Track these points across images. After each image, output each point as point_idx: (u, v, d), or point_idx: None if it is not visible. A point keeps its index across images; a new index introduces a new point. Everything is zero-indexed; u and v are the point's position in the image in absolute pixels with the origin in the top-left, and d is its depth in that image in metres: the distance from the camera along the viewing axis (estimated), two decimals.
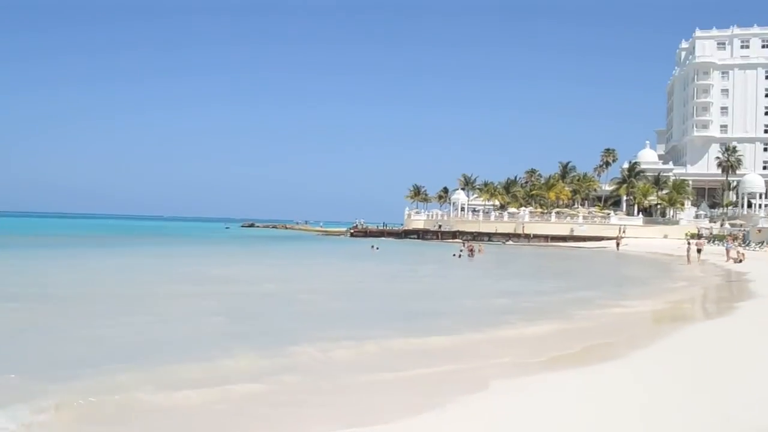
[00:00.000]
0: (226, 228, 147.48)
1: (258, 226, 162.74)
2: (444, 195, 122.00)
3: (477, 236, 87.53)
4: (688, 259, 47.74)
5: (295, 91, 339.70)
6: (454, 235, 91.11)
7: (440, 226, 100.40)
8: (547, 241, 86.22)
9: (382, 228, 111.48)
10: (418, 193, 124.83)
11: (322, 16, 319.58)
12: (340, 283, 27.89)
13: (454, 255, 52.12)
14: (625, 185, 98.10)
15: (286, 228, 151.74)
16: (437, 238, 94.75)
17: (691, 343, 13.61)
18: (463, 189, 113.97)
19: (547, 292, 24.22)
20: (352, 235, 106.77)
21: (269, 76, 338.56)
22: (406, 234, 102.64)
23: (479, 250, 56.80)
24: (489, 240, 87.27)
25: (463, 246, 59.47)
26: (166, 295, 20.74)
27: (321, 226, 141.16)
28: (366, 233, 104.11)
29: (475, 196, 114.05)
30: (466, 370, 10.71)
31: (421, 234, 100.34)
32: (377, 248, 61.92)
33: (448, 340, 13.30)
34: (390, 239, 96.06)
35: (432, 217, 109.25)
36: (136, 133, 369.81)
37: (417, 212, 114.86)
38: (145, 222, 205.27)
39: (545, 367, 10.81)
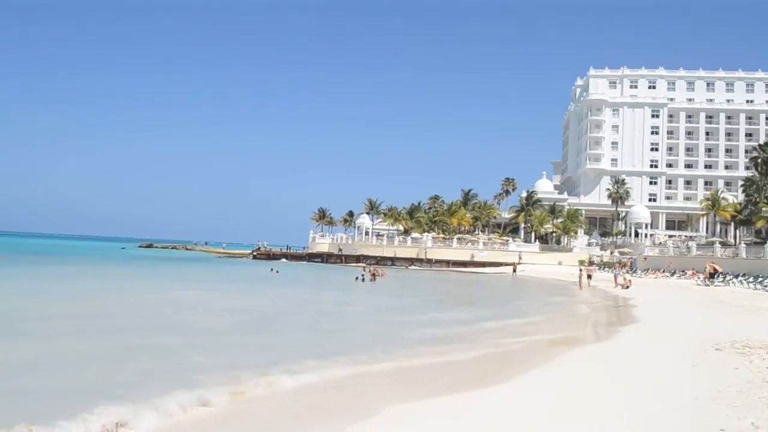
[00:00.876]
0: (122, 248, 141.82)
1: (156, 247, 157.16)
2: (349, 219, 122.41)
3: (380, 260, 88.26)
4: (580, 285, 49.92)
5: (196, 113, 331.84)
6: (358, 259, 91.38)
7: (341, 250, 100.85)
8: (449, 266, 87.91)
9: (285, 251, 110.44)
10: (323, 216, 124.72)
11: (213, 34, 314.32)
12: (244, 312, 26.64)
13: (357, 278, 52.23)
14: (523, 213, 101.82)
15: (187, 249, 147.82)
16: (341, 262, 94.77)
17: (575, 366, 14.21)
18: (368, 213, 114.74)
19: (451, 319, 24.58)
20: (254, 257, 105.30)
21: (167, 97, 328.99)
22: (311, 257, 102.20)
23: (382, 274, 57.08)
24: (392, 264, 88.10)
25: (365, 270, 59.43)
26: (50, 324, 19.47)
27: (223, 248, 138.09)
28: (269, 256, 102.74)
29: (380, 220, 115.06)
30: (361, 398, 10.81)
31: (325, 257, 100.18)
32: (277, 271, 61.64)
33: (350, 369, 13.25)
34: (294, 262, 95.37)
35: (336, 240, 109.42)
36: (25, 148, 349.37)
37: (322, 235, 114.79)
38: (37, 240, 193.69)
39: (437, 393, 11.01)
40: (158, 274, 54.75)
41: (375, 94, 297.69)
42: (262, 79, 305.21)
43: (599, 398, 10.49)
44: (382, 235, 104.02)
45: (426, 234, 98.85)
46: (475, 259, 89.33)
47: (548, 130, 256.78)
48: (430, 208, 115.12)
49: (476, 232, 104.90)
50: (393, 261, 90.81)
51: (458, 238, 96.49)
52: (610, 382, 12.02)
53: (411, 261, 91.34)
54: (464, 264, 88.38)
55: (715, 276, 50.56)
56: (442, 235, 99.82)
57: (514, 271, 76.34)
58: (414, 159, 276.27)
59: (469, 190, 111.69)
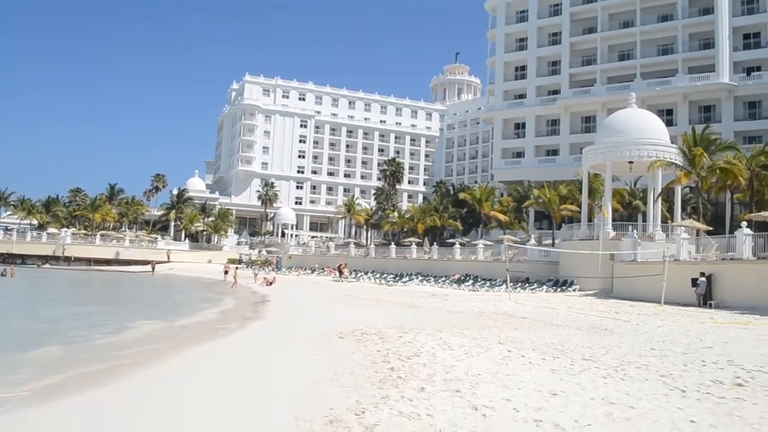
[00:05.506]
0: None
1: None
2: None
3: (8, 258, 78.21)
4: (234, 282, 50.72)
5: None
6: None
7: None
8: (90, 265, 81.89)
9: None
10: None
11: None
12: None
13: None
14: (174, 211, 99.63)
15: None
16: None
17: (198, 362, 14.51)
18: None
19: (77, 322, 22.86)
20: None
21: None
22: None
23: (11, 274, 51.06)
24: (23, 263, 78.91)
25: None
26: None
27: None
28: None
29: (9, 213, 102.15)
30: None
31: None
32: None
33: None
34: None
35: None
36: None
37: None
38: None
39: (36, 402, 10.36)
40: None
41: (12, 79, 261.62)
42: None
43: (221, 391, 10.86)
44: (12, 230, 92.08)
45: (65, 229, 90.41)
46: (121, 257, 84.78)
47: (203, 130, 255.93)
48: (70, 202, 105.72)
49: (123, 229, 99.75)
50: (23, 259, 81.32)
51: (102, 235, 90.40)
52: (231, 376, 12.44)
53: (46, 259, 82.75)
54: (108, 262, 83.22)
55: (341, 272, 57.20)
56: (83, 231, 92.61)
57: (153, 269, 73.85)
58: (53, 149, 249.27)
59: (115, 185, 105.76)
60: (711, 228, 39.53)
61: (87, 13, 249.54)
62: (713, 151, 40.57)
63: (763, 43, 68.16)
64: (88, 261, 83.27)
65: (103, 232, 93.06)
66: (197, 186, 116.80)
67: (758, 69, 67.97)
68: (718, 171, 39.45)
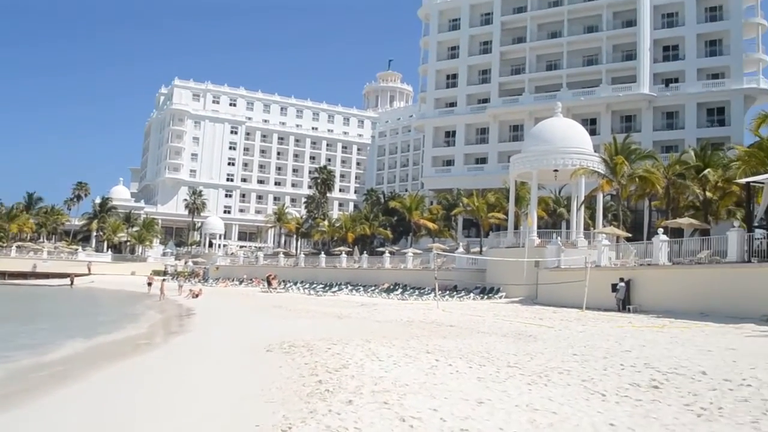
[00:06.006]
0: None
1: None
2: None
3: None
4: (161, 294, 49.37)
5: None
6: None
7: None
8: (4, 278, 77.97)
9: None
10: None
11: None
12: None
13: None
14: (96, 220, 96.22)
15: None
16: None
17: (112, 381, 14.00)
18: None
19: None
20: None
21: None
22: None
23: None
24: None
25: None
26: None
27: None
28: None
29: None
30: None
31: None
32: None
33: None
34: None
35: None
36: None
37: None
38: None
39: None
40: None
41: None
42: None
43: (140, 410, 10.49)
44: None
45: None
46: (38, 270, 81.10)
47: (129, 136, 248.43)
48: None
49: (41, 240, 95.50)
50: None
51: (18, 246, 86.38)
52: (152, 393, 12.06)
53: None
54: (24, 275, 79.39)
55: (270, 283, 56.30)
56: None
57: (72, 282, 70.79)
58: None
59: (33, 193, 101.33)
60: (630, 235, 41.08)
61: (13, 27, 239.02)
62: (633, 159, 42.14)
63: (681, 55, 71.61)
64: (2, 274, 79.25)
65: (20, 243, 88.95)
66: (122, 194, 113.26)
67: (676, 80, 71.35)
68: (637, 179, 40.97)
